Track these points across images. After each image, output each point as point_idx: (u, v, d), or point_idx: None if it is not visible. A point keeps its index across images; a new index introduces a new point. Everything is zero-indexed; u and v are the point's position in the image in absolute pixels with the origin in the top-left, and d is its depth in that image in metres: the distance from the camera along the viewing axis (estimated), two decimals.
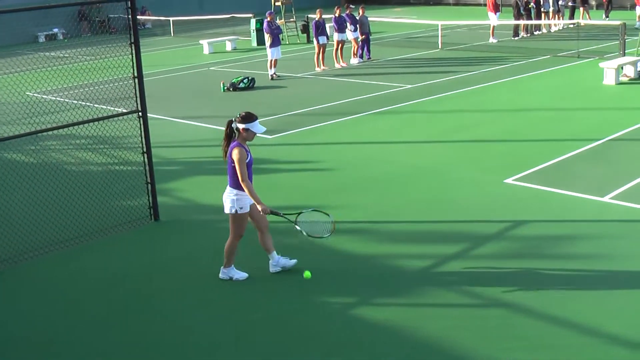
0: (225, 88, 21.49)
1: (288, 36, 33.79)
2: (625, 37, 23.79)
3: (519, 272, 8.58)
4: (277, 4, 34.14)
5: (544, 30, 33.82)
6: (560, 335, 7.14)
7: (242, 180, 8.12)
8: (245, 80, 21.68)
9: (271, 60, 23.13)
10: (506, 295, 7.95)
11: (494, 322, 7.43)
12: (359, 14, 25.82)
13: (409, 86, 20.75)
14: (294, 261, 8.82)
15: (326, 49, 24.79)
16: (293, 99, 19.71)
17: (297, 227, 8.48)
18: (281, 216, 8.45)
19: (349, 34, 25.45)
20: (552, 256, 8.95)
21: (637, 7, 33.57)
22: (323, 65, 24.65)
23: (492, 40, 30.46)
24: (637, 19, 32.73)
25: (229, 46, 32.57)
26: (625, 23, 24.63)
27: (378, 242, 9.75)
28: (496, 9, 31.30)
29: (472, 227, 10.08)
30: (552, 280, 8.30)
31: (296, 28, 34.57)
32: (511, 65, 23.89)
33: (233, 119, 8.30)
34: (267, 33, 22.98)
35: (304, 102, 19.03)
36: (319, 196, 11.61)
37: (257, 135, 8.45)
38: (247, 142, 8.36)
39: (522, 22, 31.59)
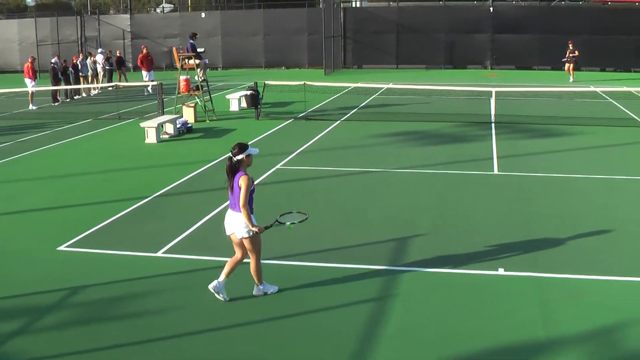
0: None
1: None
2: (163, 97, 24.80)
3: (85, 336, 8.34)
4: None
5: (84, 94, 33.97)
6: None
7: (243, 205, 8.81)
8: None
9: None
10: None
11: None
12: None
13: None
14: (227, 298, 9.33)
15: None
16: None
17: (287, 223, 9.33)
18: (272, 226, 9.24)
19: None
20: (119, 316, 8.88)
21: (143, 72, 34.12)
22: None
23: (31, 107, 29.73)
24: (144, 85, 33.56)
25: None
26: (162, 83, 25.70)
27: None
28: (33, 75, 30.66)
29: (30, 300, 9.55)
30: (115, 340, 8.20)
31: None
32: (53, 131, 23.50)
33: (231, 155, 9.00)
34: None
35: None
36: None
37: None
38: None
39: (60, 87, 31.36)
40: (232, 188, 9.04)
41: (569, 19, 42.85)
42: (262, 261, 9.48)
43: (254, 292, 9.44)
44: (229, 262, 9.39)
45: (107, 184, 15.84)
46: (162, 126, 21.61)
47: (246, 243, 9.14)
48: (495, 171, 16.51)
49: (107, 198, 14.56)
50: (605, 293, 9.44)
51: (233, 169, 9.03)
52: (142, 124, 21.33)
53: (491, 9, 44.33)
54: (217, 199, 14.06)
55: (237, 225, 9.05)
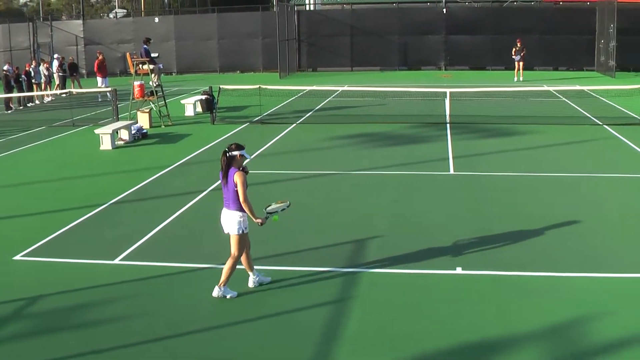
0: None
1: None
2: (118, 103, 24.59)
3: (43, 347, 8.24)
4: None
5: (37, 102, 33.56)
6: None
7: (244, 200, 9.18)
8: None
9: None
10: None
11: None
12: None
13: None
14: (268, 279, 9.95)
15: None
16: None
17: (277, 211, 9.73)
18: (272, 214, 9.62)
19: None
20: (77, 325, 8.78)
21: (98, 79, 33.55)
22: None
23: None
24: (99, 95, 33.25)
25: None
26: (116, 89, 25.46)
27: None
28: None
29: None
30: (74, 350, 8.12)
31: None
32: (6, 139, 23.17)
33: (227, 150, 9.33)
34: None
35: None
36: None
37: None
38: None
39: (13, 95, 30.94)
40: (227, 183, 9.34)
41: (521, 19, 43.39)
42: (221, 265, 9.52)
43: (214, 293, 9.50)
44: (242, 259, 9.68)
45: (62, 192, 15.67)
46: (117, 132, 21.45)
47: (233, 241, 9.42)
48: (451, 171, 16.67)
49: (63, 206, 14.41)
50: (561, 290, 9.59)
51: (227, 163, 9.34)
52: (97, 131, 21.14)
53: (444, 10, 44.73)
54: (174, 205, 14.01)
55: (229, 222, 9.37)
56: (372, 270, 10.38)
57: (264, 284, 9.88)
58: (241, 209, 9.29)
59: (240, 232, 9.34)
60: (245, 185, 9.24)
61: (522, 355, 7.78)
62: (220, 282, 9.51)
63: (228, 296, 9.51)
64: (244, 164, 9.48)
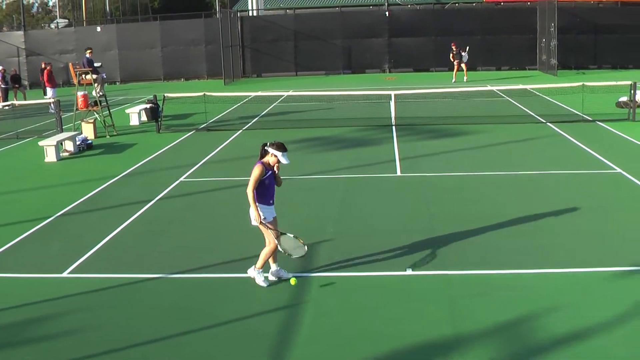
0: None
1: None
2: (61, 114, 24.24)
3: None
4: None
5: None
6: None
7: (248, 190, 9.47)
8: None
9: None
10: None
11: None
12: None
13: None
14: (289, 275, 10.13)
15: None
16: None
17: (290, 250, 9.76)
18: (268, 228, 9.68)
19: None
20: (27, 341, 8.64)
21: (49, 89, 32.97)
22: None
23: None
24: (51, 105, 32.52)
25: None
26: (59, 100, 25.08)
27: None
28: None
29: None
30: None
31: None
32: None
33: (268, 143, 9.60)
34: None
35: None
36: None
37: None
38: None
39: None
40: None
41: (463, 21, 43.98)
42: (179, 275, 9.43)
43: (248, 271, 10.13)
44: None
45: (7, 206, 15.39)
46: (62, 144, 21.16)
47: (261, 230, 9.80)
48: (398, 173, 16.80)
49: (8, 220, 14.14)
50: (512, 287, 9.70)
51: (260, 154, 9.66)
52: (41, 143, 20.83)
53: (387, 13, 45.07)
54: (122, 215, 13.86)
55: (250, 212, 9.70)
56: (322, 274, 10.40)
57: (282, 279, 10.05)
58: (260, 201, 9.61)
59: (258, 223, 9.59)
60: (256, 178, 9.44)
61: (476, 352, 7.87)
62: (257, 265, 9.97)
63: (258, 283, 9.93)
64: (275, 165, 9.65)
